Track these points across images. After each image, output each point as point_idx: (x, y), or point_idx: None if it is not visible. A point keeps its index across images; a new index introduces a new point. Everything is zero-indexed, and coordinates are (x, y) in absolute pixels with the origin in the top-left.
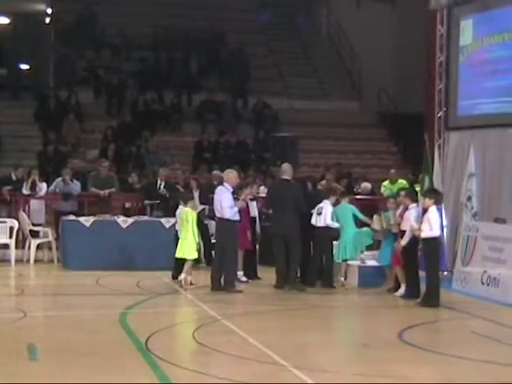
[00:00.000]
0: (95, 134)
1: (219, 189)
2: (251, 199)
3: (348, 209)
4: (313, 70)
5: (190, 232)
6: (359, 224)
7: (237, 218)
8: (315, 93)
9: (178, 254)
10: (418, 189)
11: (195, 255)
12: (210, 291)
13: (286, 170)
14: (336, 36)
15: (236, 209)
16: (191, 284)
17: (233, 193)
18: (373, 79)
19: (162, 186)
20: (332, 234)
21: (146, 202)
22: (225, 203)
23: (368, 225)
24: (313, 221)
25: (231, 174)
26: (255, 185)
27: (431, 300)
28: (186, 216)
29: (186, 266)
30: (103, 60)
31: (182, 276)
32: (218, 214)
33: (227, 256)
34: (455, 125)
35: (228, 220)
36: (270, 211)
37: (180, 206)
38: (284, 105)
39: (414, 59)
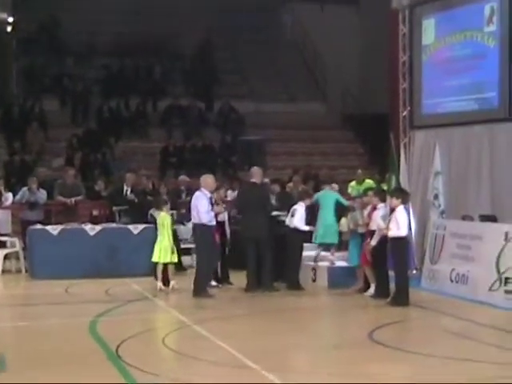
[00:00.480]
0: (61, 142)
1: (197, 194)
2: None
3: (330, 196)
4: (278, 73)
5: (165, 236)
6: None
7: (213, 223)
8: (281, 96)
9: (154, 258)
10: (384, 188)
11: (175, 259)
12: (183, 296)
13: (255, 173)
14: (301, 39)
15: (212, 213)
16: (172, 288)
17: (210, 197)
18: (337, 81)
19: (128, 192)
20: (301, 236)
21: (114, 208)
22: (201, 208)
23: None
24: (286, 221)
25: (208, 179)
26: (222, 189)
27: (400, 299)
28: (162, 220)
29: (170, 272)
30: (67, 68)
31: (172, 282)
32: (194, 220)
33: (200, 261)
34: (420, 123)
35: (204, 225)
36: (239, 215)
37: (154, 211)
38: (250, 108)
39: (377, 59)
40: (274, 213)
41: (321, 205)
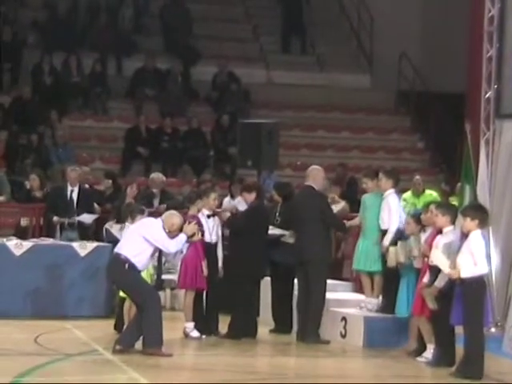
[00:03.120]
0: None
1: (146, 220)
2: (208, 216)
3: (377, 201)
4: (301, 28)
5: None
6: None
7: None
8: (305, 61)
9: (122, 293)
10: (454, 203)
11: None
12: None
13: (314, 175)
14: None
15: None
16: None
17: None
18: (390, 43)
19: (74, 194)
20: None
21: (55, 218)
22: (160, 235)
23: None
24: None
25: (177, 220)
26: (213, 194)
27: (471, 368)
28: None
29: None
30: None
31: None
32: (121, 249)
33: (143, 308)
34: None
35: (131, 264)
36: (288, 233)
37: (126, 223)
38: (259, 77)
39: (451, 12)
40: (276, 231)
41: (364, 215)
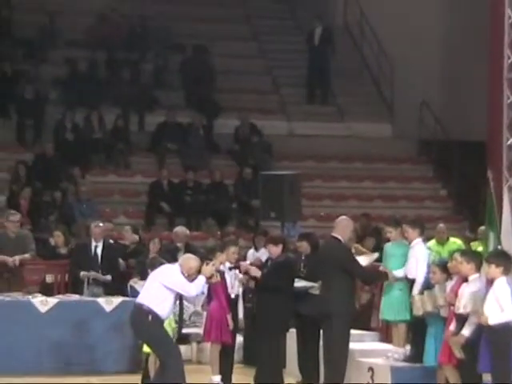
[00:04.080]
0: (1, 172)
1: (166, 267)
2: (230, 268)
3: (400, 250)
4: (323, 79)
5: None
6: None
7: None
8: (326, 111)
9: (146, 348)
10: (479, 250)
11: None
12: None
13: (341, 225)
14: (357, 27)
15: (198, 279)
16: None
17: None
18: (411, 91)
19: (98, 249)
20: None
21: (83, 273)
22: (179, 280)
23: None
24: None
25: (194, 263)
26: (233, 247)
27: None
28: None
29: None
30: (13, 63)
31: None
32: (142, 299)
33: (165, 361)
34: None
35: (154, 313)
36: (316, 285)
37: (137, 281)
38: (281, 129)
39: (471, 59)
40: (302, 284)
41: (386, 263)
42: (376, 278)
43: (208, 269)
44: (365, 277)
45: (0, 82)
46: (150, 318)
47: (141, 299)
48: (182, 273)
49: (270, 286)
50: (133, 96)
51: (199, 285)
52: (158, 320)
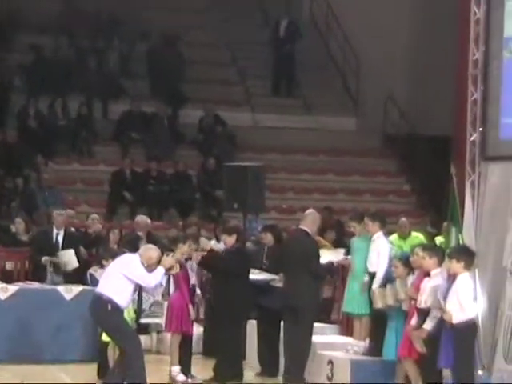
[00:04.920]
0: None
1: (126, 256)
2: (186, 259)
3: (365, 244)
4: (288, 71)
5: None
6: None
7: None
8: (291, 103)
9: (105, 336)
10: (440, 245)
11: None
12: None
13: (309, 218)
14: (323, 21)
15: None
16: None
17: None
18: (376, 85)
19: (60, 238)
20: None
21: (45, 258)
22: (139, 271)
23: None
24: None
25: (154, 253)
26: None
27: None
28: None
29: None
30: None
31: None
32: (102, 288)
33: (125, 351)
34: (497, 153)
35: (113, 303)
36: (278, 277)
37: (97, 269)
38: (246, 120)
39: (437, 56)
40: (263, 276)
41: (353, 256)
42: (324, 276)
43: (168, 260)
44: (317, 273)
45: None
46: (109, 307)
47: (100, 289)
48: (142, 263)
49: (223, 271)
50: (98, 84)
51: (158, 276)
52: (118, 310)
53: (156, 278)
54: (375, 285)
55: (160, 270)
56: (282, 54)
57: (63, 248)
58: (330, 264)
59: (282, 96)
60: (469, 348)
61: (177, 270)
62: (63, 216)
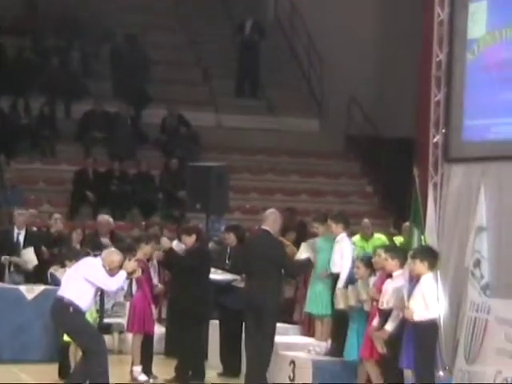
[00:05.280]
0: None
1: (88, 260)
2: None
3: (328, 245)
4: (252, 72)
5: None
6: None
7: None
8: (255, 104)
9: (67, 338)
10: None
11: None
12: None
13: (270, 218)
14: (287, 21)
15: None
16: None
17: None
18: (340, 87)
19: (20, 237)
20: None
21: (5, 257)
22: (99, 274)
23: None
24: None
25: (116, 257)
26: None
27: None
28: None
29: None
30: None
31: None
32: (63, 292)
33: (88, 352)
34: (459, 155)
35: (75, 306)
36: (240, 278)
37: (57, 269)
38: (209, 121)
39: (400, 57)
40: (226, 276)
41: (319, 254)
42: (303, 269)
43: (130, 264)
44: (293, 270)
45: None
46: (71, 310)
47: (62, 292)
48: (104, 266)
49: (183, 271)
50: (60, 83)
51: (120, 280)
52: (80, 312)
53: (118, 282)
54: (339, 285)
55: (122, 274)
56: (246, 55)
57: (24, 247)
58: (309, 260)
59: (245, 97)
60: (430, 347)
61: (138, 273)
62: (24, 215)
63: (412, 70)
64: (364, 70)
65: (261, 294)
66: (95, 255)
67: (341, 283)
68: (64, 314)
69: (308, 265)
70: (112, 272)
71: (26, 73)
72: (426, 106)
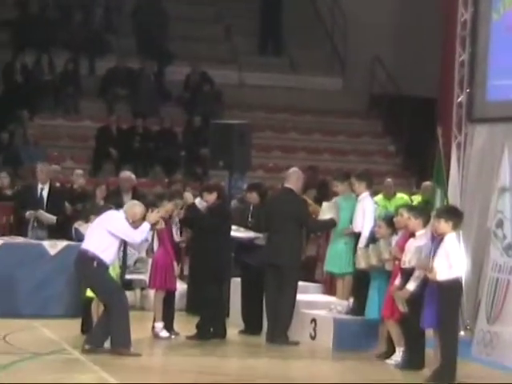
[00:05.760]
0: None
1: (110, 213)
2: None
3: (349, 203)
4: (275, 29)
5: None
6: None
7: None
8: (278, 63)
9: (90, 293)
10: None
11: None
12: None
13: (293, 176)
14: None
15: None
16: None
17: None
18: (363, 46)
19: (44, 192)
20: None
21: (29, 213)
22: (123, 226)
23: None
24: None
25: (138, 209)
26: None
27: (446, 373)
28: None
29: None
30: None
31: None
32: (86, 245)
33: (110, 307)
34: (483, 115)
35: (99, 260)
36: (262, 236)
37: (81, 224)
38: (232, 78)
39: (425, 16)
40: (250, 234)
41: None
42: (325, 227)
43: (153, 216)
44: (315, 228)
45: None
46: (95, 264)
47: (86, 245)
48: (127, 219)
49: (203, 228)
50: (84, 40)
51: (143, 231)
52: (103, 266)
53: (142, 233)
54: (360, 245)
55: (145, 226)
56: (268, 12)
57: (48, 202)
58: (332, 220)
59: (268, 55)
60: (454, 307)
61: (162, 225)
62: (47, 170)
63: (436, 29)
64: (387, 29)
65: (282, 252)
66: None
67: (362, 242)
68: (88, 267)
69: (331, 224)
70: (135, 224)
71: (49, 29)
72: (451, 65)
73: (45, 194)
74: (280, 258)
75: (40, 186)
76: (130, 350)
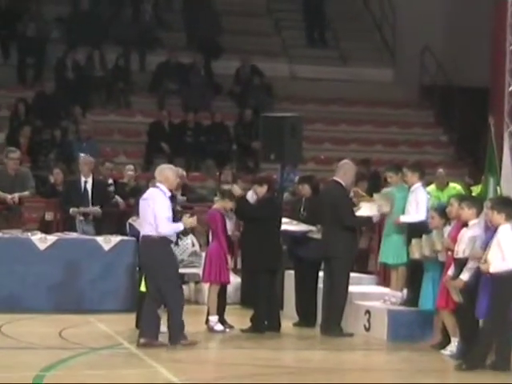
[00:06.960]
0: (1, 110)
1: (151, 192)
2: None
3: (402, 194)
4: (325, 22)
5: None
6: None
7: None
8: (328, 54)
9: (143, 287)
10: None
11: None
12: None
13: (343, 169)
14: None
15: (176, 225)
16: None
17: (171, 199)
18: (413, 36)
19: (88, 185)
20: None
21: (73, 209)
22: (161, 212)
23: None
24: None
25: (168, 172)
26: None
27: (501, 362)
28: None
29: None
30: (12, 0)
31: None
32: (144, 231)
33: (167, 297)
34: None
35: (162, 239)
36: (315, 229)
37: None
38: (282, 71)
39: (475, 5)
40: (301, 227)
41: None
42: (360, 224)
43: (189, 221)
44: (350, 223)
45: (1, 19)
46: (158, 239)
47: (144, 231)
48: (164, 192)
49: (254, 220)
50: (134, 35)
51: (174, 229)
52: (166, 240)
53: (171, 229)
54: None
55: (179, 226)
56: (311, 4)
57: (93, 196)
58: (369, 218)
59: (317, 47)
60: (507, 299)
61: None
62: (89, 162)
63: (486, 18)
64: (437, 19)
65: (333, 245)
66: None
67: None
68: (153, 248)
69: (367, 222)
70: (177, 189)
71: (100, 25)
72: (502, 54)
73: (89, 187)
74: (331, 250)
75: (83, 179)
76: (187, 339)
